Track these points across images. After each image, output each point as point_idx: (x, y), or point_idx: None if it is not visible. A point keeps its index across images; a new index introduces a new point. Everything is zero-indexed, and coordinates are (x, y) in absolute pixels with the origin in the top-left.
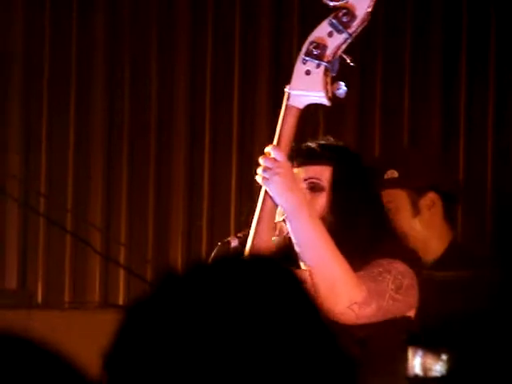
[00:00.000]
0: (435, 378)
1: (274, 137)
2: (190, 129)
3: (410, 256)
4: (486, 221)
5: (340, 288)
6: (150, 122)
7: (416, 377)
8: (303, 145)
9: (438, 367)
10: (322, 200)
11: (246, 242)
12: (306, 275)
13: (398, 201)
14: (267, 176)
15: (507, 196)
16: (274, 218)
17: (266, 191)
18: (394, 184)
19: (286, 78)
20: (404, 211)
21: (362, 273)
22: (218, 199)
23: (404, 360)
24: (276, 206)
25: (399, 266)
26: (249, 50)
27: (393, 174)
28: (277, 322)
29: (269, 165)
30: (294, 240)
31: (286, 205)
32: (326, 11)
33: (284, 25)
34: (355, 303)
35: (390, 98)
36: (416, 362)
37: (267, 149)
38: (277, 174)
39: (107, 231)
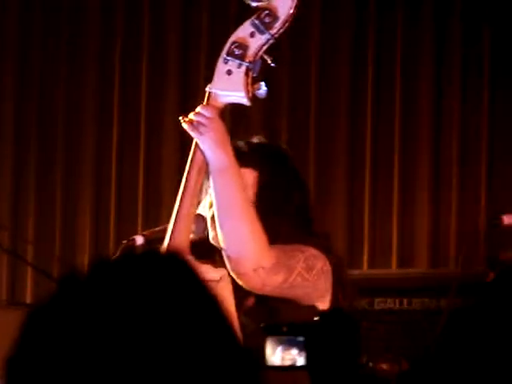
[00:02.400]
0: (292, 366)
1: (182, 137)
2: (98, 124)
3: (326, 247)
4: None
5: (249, 249)
6: (57, 119)
7: (274, 367)
8: (233, 144)
9: (294, 356)
10: None
11: (151, 240)
12: (220, 273)
13: None
14: (202, 131)
15: None
16: (198, 194)
17: (195, 146)
18: None
19: (194, 81)
20: None
21: (274, 248)
22: (125, 198)
23: (262, 350)
24: (200, 176)
25: (313, 251)
26: (157, 59)
27: None
28: (173, 318)
29: (202, 120)
30: (214, 200)
31: (216, 160)
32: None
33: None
34: (262, 268)
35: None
36: (277, 354)
37: (198, 109)
38: (212, 129)
39: (15, 229)
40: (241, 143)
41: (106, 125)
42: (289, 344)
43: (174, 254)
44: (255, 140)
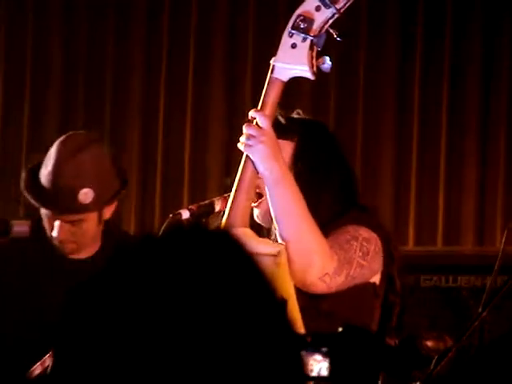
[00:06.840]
0: (316, 377)
1: (227, 114)
2: (143, 102)
3: (374, 223)
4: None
5: (314, 259)
6: (105, 95)
7: None
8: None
9: (318, 366)
10: None
11: (197, 215)
12: (277, 249)
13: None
14: (251, 143)
15: None
16: (253, 188)
17: (246, 159)
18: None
19: (241, 57)
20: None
21: (330, 242)
22: (171, 172)
23: None
24: (256, 175)
25: (364, 233)
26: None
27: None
28: (222, 295)
29: (252, 132)
30: (272, 210)
31: (269, 173)
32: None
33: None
34: (327, 274)
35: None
36: None
37: (251, 112)
38: (261, 141)
39: None
40: (279, 117)
41: (152, 101)
42: (312, 354)
43: (220, 229)
44: (294, 114)
